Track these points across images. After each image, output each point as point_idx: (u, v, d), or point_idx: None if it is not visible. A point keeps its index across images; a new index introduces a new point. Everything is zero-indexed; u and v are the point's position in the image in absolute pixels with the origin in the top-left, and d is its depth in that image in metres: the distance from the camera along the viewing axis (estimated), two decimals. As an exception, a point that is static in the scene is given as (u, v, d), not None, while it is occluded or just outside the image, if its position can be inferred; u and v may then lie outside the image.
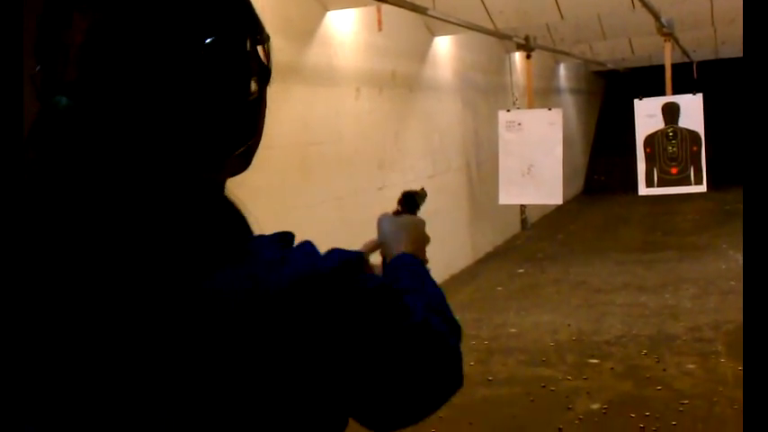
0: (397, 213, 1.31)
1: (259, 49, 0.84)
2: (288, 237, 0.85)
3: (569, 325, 5.79)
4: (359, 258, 0.84)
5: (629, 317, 5.93)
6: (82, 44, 0.75)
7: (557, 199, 6.81)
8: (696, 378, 4.53)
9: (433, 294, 1.06)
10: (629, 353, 5.08)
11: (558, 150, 6.74)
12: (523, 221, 10.58)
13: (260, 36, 0.84)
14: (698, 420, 3.94)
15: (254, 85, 0.82)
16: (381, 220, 1.29)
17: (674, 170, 6.18)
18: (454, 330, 0.98)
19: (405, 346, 0.84)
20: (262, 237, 0.83)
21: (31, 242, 0.75)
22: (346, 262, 0.81)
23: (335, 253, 0.83)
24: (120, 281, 0.75)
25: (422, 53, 7.45)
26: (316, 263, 0.80)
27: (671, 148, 6.14)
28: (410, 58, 7.12)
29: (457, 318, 1.02)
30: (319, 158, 5.39)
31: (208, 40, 0.76)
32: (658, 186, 6.16)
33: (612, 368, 4.80)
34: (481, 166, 8.69)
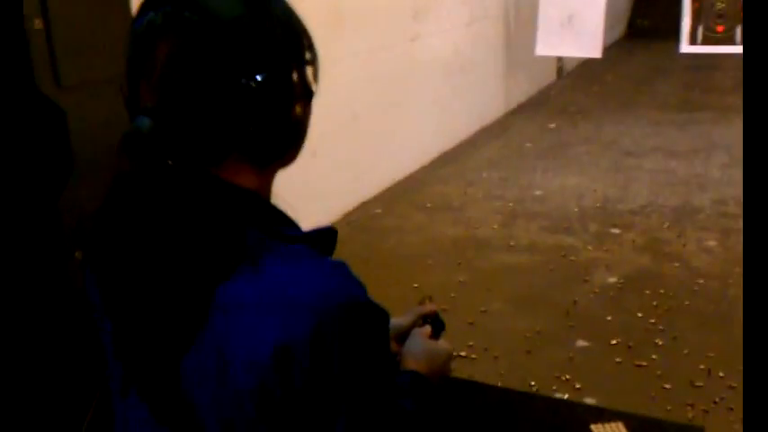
0: (427, 331, 1.32)
1: (308, 68, 0.99)
2: (330, 235, 0.97)
3: (595, 190, 5.81)
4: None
5: (656, 184, 5.92)
6: (161, 74, 0.90)
7: (596, 52, 6.60)
8: (715, 256, 4.58)
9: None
10: (651, 224, 5.12)
11: (601, 1, 6.49)
12: (559, 70, 10.34)
13: (306, 61, 0.99)
14: (710, 301, 4.02)
15: (298, 109, 0.97)
16: (415, 334, 1.32)
17: (719, 28, 5.93)
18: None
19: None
20: (305, 236, 0.95)
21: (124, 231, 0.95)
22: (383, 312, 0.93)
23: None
24: (165, 273, 0.91)
25: None
26: (352, 288, 0.91)
27: (719, 5, 5.88)
28: None
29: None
30: (351, 8, 5.24)
31: (259, 77, 0.91)
32: (702, 44, 5.94)
33: (633, 240, 4.85)
34: (520, 14, 8.39)
